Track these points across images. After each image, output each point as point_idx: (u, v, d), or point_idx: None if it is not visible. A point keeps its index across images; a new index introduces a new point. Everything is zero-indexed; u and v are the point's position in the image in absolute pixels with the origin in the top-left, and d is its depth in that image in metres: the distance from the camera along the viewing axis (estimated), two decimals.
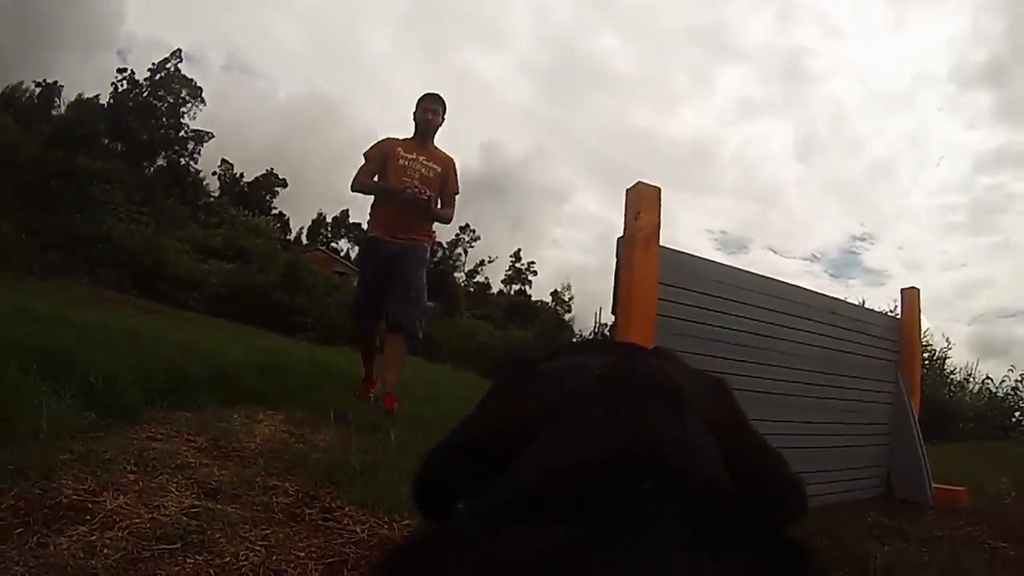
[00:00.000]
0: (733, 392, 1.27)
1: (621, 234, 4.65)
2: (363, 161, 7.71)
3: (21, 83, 67.30)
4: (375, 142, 7.76)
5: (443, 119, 7.76)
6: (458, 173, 7.84)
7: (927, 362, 19.99)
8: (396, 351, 7.42)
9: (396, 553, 0.80)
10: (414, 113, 7.69)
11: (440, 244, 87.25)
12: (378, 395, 7.62)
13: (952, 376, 22.85)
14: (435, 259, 77.49)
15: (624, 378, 1.08)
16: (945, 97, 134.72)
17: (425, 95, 7.69)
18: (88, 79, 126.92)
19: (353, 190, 7.72)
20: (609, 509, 0.72)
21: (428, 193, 7.30)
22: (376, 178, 7.57)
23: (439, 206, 7.62)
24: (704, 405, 1.11)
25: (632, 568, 0.66)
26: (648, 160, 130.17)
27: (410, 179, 7.29)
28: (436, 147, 7.71)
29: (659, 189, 4.63)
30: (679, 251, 4.95)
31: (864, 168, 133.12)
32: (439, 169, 7.52)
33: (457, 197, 7.85)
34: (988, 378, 22.64)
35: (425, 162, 7.46)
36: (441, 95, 7.71)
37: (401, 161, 7.40)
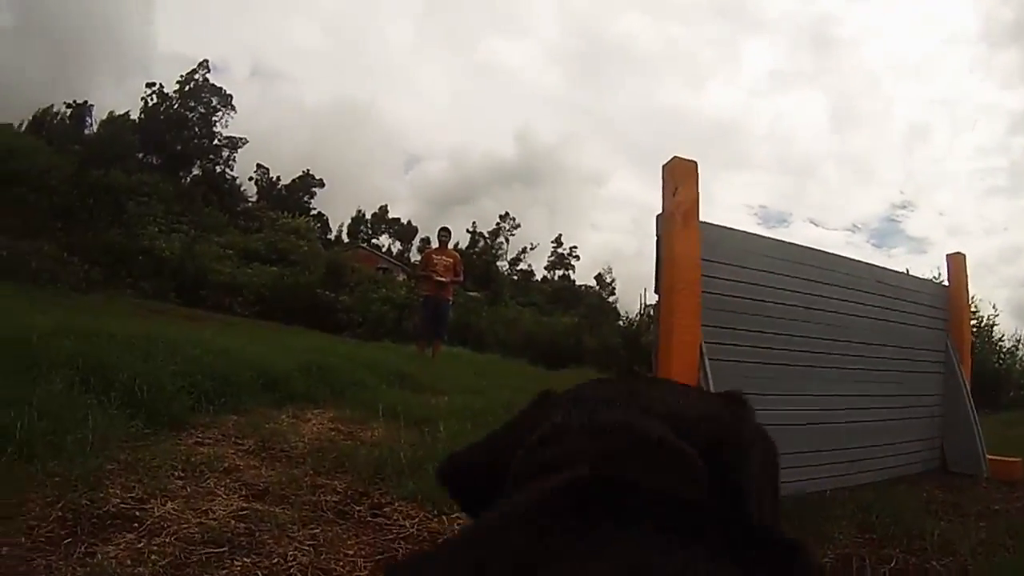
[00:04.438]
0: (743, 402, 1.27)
1: (660, 211, 4.60)
2: (421, 258, 18.76)
3: (51, 106, 67.78)
4: (424, 253, 17.05)
5: (450, 237, 16.55)
6: (461, 261, 15.94)
7: (975, 330, 19.64)
8: (439, 346, 15.10)
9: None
10: (438, 236, 15.89)
11: (481, 234, 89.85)
12: (428, 357, 14.09)
13: (1001, 343, 22.49)
14: (477, 249, 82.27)
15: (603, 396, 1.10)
16: (976, 58, 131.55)
17: (441, 228, 15.95)
18: (119, 100, 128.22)
19: (416, 275, 19.21)
20: (578, 522, 0.71)
21: (446, 277, 14.72)
22: (426, 268, 15.12)
23: (457, 276, 15.27)
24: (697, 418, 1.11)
25: None
26: (682, 138, 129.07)
27: (439, 267, 14.71)
28: (448, 250, 15.94)
29: (696, 163, 4.56)
30: (720, 225, 4.88)
31: (899, 134, 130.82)
32: (451, 261, 15.12)
33: (462, 271, 15.69)
34: None
35: (445, 259, 15.05)
36: (449, 227, 16.25)
37: (434, 259, 14.98)
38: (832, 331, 5.38)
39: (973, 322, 18.47)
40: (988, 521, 4.50)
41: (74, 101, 69.70)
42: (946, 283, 7.07)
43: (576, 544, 0.68)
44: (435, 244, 16.72)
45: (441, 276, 14.72)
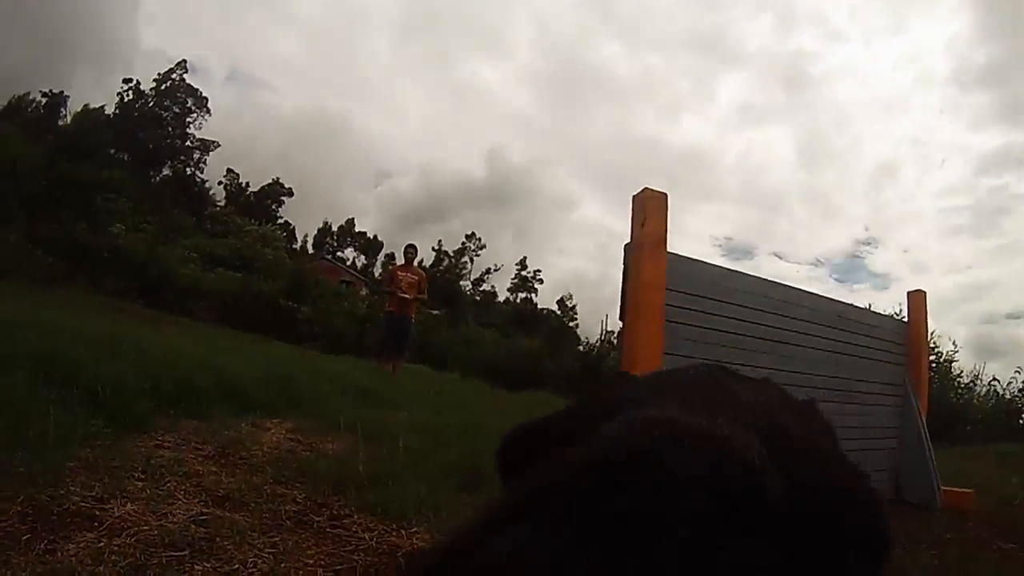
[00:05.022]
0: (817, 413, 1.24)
1: (628, 240, 4.65)
2: (386, 274, 19.43)
3: (27, 94, 67.05)
4: (389, 269, 18.62)
5: (417, 255, 16.24)
6: (426, 278, 15.58)
7: (934, 365, 19.85)
8: (400, 363, 15.06)
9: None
10: (404, 252, 15.74)
11: (447, 253, 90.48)
12: (389, 373, 14.00)
13: (959, 379, 22.71)
14: (441, 267, 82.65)
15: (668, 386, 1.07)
16: (946, 99, 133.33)
17: (407, 245, 15.77)
18: (95, 93, 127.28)
19: (381, 290, 20.78)
20: (604, 514, 0.71)
21: (410, 295, 14.54)
22: (390, 285, 14.97)
23: (421, 293, 15.06)
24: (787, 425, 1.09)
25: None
26: (652, 167, 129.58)
27: (404, 284, 14.53)
28: (414, 267, 15.55)
29: (665, 195, 4.62)
30: (686, 257, 4.93)
31: (867, 171, 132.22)
32: (416, 278, 14.87)
33: (426, 288, 15.46)
34: (995, 380, 22.44)
35: (410, 276, 14.82)
36: (415, 244, 16.09)
37: (399, 276, 14.83)
38: (793, 363, 5.45)
39: (932, 358, 18.67)
40: (940, 550, 4.59)
41: (51, 91, 69.11)
42: (906, 319, 7.16)
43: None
44: (400, 260, 17.08)
45: (405, 293, 14.65)
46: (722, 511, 0.74)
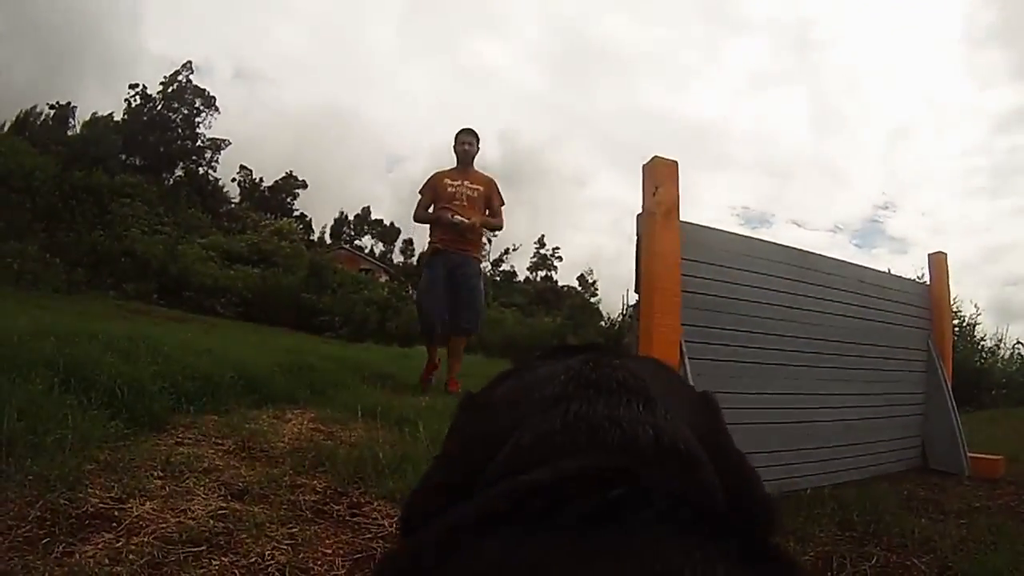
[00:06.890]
0: (719, 407, 1.19)
1: (640, 211, 4.60)
2: (418, 196, 9.17)
3: (35, 107, 67.50)
4: (426, 179, 9.19)
5: (478, 148, 9.19)
6: (499, 188, 9.17)
7: (957, 329, 19.63)
8: (459, 347, 9.20)
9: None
10: (453, 147, 9.14)
11: None
12: (440, 380, 9.01)
13: (983, 342, 22.46)
14: None
15: (591, 380, 1.02)
16: (958, 59, 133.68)
17: (461, 130, 9.12)
18: (103, 101, 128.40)
19: (416, 221, 9.26)
20: (584, 516, 0.68)
21: (467, 219, 8.53)
22: (432, 205, 8.88)
23: (494, 216, 9.02)
24: (686, 415, 1.03)
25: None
26: (665, 139, 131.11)
27: (459, 202, 8.65)
28: (476, 171, 9.12)
29: (676, 163, 4.55)
30: (700, 225, 4.87)
31: (881, 136, 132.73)
32: (481, 189, 8.85)
33: (504, 208, 9.17)
34: (1019, 343, 22.23)
35: (469, 185, 8.80)
36: (474, 128, 9.19)
37: (450, 188, 8.75)
38: (813, 330, 5.39)
39: (955, 321, 18.49)
40: (969, 518, 4.49)
41: (57, 102, 69.61)
42: (928, 282, 7.08)
43: (596, 547, 0.65)
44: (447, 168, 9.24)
45: (462, 216, 8.55)
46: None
